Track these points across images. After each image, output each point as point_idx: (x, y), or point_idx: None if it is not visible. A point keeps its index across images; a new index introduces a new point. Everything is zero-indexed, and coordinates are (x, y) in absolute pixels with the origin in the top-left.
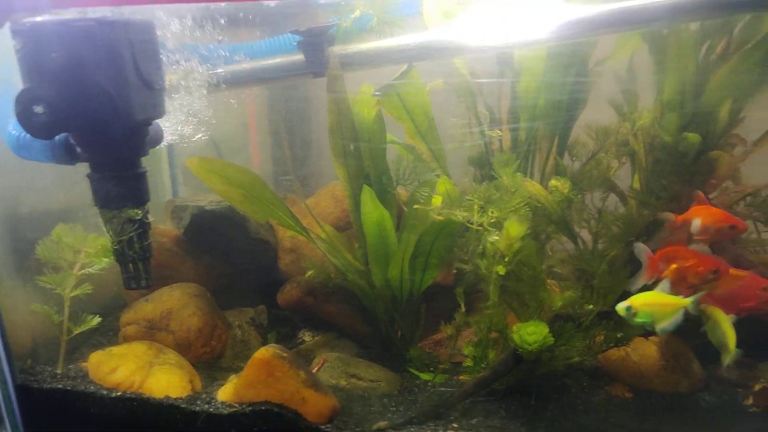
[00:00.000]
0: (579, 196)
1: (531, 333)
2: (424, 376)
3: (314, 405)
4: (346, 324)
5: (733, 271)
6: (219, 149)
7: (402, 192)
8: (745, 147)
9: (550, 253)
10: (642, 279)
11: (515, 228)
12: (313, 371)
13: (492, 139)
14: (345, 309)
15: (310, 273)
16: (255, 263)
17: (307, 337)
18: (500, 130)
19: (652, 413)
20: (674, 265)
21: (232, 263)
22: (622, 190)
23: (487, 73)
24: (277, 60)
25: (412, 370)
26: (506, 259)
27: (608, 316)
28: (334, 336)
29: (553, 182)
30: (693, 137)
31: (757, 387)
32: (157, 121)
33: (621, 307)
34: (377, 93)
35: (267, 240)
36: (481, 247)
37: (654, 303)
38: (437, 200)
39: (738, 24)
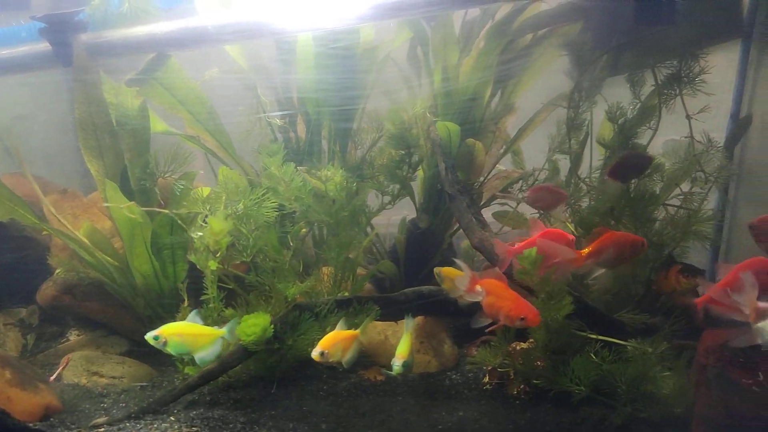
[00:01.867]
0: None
1: (251, 325)
2: (188, 370)
3: (21, 404)
4: (113, 321)
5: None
6: None
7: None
8: (502, 136)
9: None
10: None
11: (218, 224)
12: (59, 371)
13: (285, 128)
14: (109, 306)
15: (59, 271)
16: (22, 262)
17: (73, 336)
18: (281, 119)
19: (392, 394)
20: (489, 298)
21: None
22: (404, 176)
23: (274, 61)
24: (22, 49)
25: (179, 364)
26: (218, 255)
27: (346, 304)
28: (103, 334)
29: (323, 172)
30: (452, 127)
31: (490, 366)
32: None
33: (149, 336)
34: (131, 82)
35: (33, 238)
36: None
37: (187, 333)
38: (205, 191)
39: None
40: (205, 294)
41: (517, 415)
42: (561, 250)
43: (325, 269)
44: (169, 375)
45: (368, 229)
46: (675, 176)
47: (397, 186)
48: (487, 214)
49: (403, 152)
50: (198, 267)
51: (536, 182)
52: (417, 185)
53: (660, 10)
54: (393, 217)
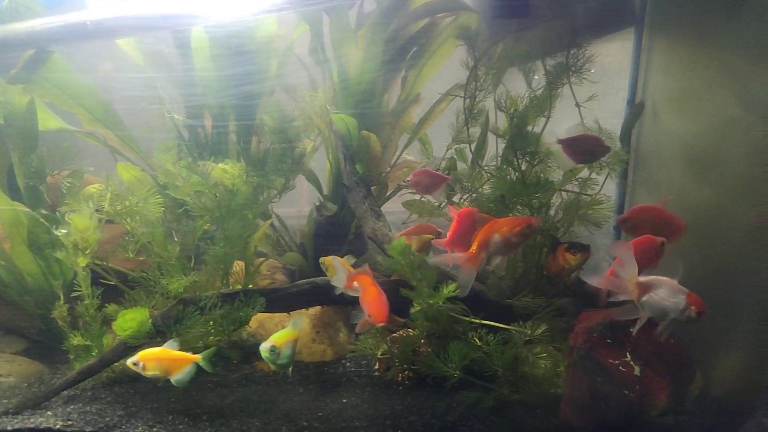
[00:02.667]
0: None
1: (128, 320)
2: (76, 366)
3: None
4: (7, 321)
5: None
6: None
7: None
8: (404, 126)
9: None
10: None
11: (82, 221)
12: None
13: (192, 123)
14: (1, 306)
15: None
16: None
17: None
18: (183, 115)
19: (283, 384)
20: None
21: None
22: (311, 169)
23: (174, 56)
24: None
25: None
26: (87, 252)
27: (232, 298)
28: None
29: (221, 167)
30: (348, 119)
31: (380, 355)
32: None
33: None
34: (12, 79)
35: None
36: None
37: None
38: (91, 189)
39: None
40: (77, 290)
41: (397, 401)
42: (451, 257)
43: (238, 263)
44: (63, 373)
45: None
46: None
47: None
48: (397, 203)
49: (284, 146)
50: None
51: (439, 170)
52: (325, 175)
53: (513, 3)
54: (305, 209)
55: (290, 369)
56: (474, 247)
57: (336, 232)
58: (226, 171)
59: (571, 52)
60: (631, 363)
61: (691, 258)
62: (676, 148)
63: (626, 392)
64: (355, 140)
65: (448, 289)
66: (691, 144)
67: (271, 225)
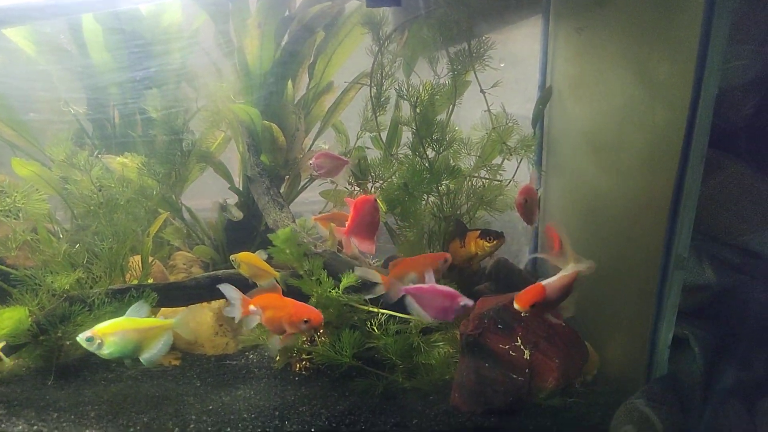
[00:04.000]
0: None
1: (6, 318)
2: None
3: None
4: None
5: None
6: None
7: None
8: (299, 115)
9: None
10: (235, 313)
11: None
12: None
13: (99, 116)
14: None
15: None
16: None
17: None
18: (83, 108)
19: (181, 378)
20: (269, 313)
21: None
22: (220, 161)
23: (71, 45)
24: None
25: None
26: None
27: (122, 293)
28: None
29: (120, 160)
30: (251, 110)
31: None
32: None
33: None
34: None
35: None
36: None
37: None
38: None
39: None
40: None
41: (291, 392)
42: (372, 275)
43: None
44: None
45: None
46: (485, 149)
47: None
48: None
49: (172, 137)
50: None
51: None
52: (237, 168)
53: None
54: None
55: (159, 361)
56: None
57: (248, 224)
58: (126, 164)
59: (472, 39)
60: (522, 347)
61: (586, 243)
62: (579, 132)
63: (514, 376)
64: (260, 130)
65: (348, 279)
66: (593, 128)
67: (182, 218)
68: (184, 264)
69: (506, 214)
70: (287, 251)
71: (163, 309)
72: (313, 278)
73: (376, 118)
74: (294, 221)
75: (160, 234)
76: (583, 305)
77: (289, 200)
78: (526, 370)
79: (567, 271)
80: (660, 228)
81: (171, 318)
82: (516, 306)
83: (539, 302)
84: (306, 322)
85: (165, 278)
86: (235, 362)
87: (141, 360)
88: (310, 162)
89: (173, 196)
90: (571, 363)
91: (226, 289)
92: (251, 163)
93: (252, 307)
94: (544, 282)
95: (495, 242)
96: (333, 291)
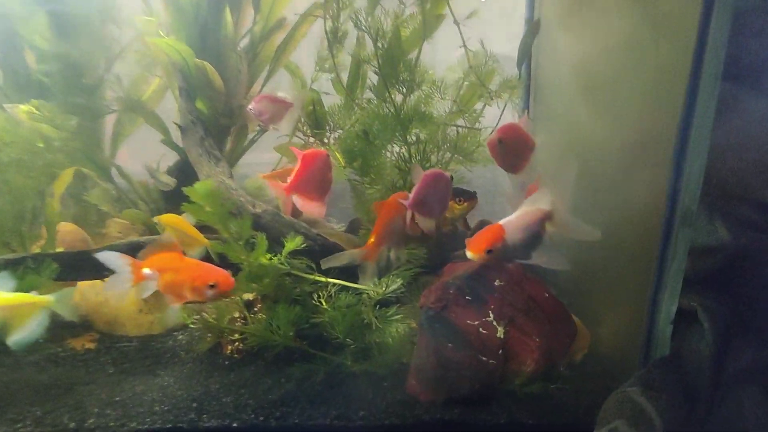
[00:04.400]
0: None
1: None
2: None
3: None
4: None
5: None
6: None
7: None
8: (240, 55)
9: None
10: (122, 285)
11: None
12: None
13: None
14: None
15: None
16: None
17: None
18: None
19: (94, 363)
20: (166, 276)
21: None
22: (154, 112)
23: None
24: None
25: None
26: None
27: (17, 263)
28: None
29: (24, 108)
30: (182, 48)
31: (191, 324)
32: None
33: None
34: None
35: None
36: None
37: None
38: None
39: None
40: None
41: (217, 378)
42: (349, 255)
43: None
44: None
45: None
46: (464, 95)
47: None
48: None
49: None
50: None
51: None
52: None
53: None
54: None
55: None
56: (372, 239)
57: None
58: (35, 112)
59: None
60: (494, 323)
61: (578, 200)
62: (571, 73)
63: (484, 358)
64: (192, 71)
65: (294, 243)
66: (586, 68)
67: (110, 179)
68: (120, 232)
69: (491, 171)
70: (207, 209)
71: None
72: (240, 242)
73: (333, 56)
74: (231, 177)
75: (84, 197)
76: (573, 272)
77: (235, 157)
78: (500, 351)
79: (531, 206)
80: (662, 178)
81: (52, 294)
82: (468, 254)
83: (497, 246)
84: (212, 287)
85: (87, 248)
86: (160, 345)
87: (8, 344)
88: (250, 107)
89: (99, 153)
90: (554, 341)
91: (106, 255)
92: (183, 109)
93: (146, 270)
94: (502, 221)
95: (465, 204)
96: (269, 257)
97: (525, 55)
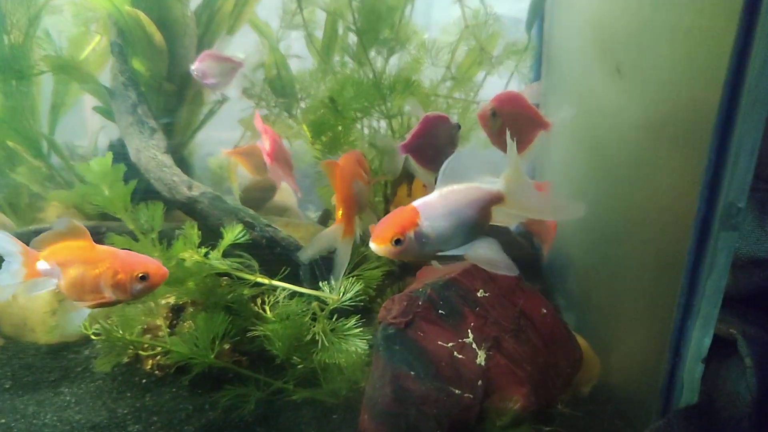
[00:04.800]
0: None
1: None
2: None
3: None
4: None
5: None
6: None
7: None
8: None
9: None
10: (8, 279)
11: None
12: None
13: None
14: None
15: None
16: None
17: None
18: None
19: None
20: (72, 271)
21: None
22: (89, 74)
23: None
24: None
25: None
26: None
27: None
28: None
29: None
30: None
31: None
32: None
33: None
34: None
35: None
36: None
37: None
38: None
39: None
40: None
41: (128, 400)
42: (325, 239)
43: None
44: None
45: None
46: (462, 62)
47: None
48: None
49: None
50: None
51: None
52: None
53: None
54: None
55: None
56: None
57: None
58: None
59: None
60: (473, 346)
61: (590, 193)
62: (590, 37)
63: (457, 392)
64: (127, 23)
65: (232, 234)
66: (608, 31)
67: (41, 155)
68: (59, 217)
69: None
70: (105, 192)
71: None
72: (150, 235)
73: (301, 9)
74: (167, 151)
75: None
76: (579, 283)
77: (191, 130)
78: (479, 382)
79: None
80: (698, 165)
81: None
82: (371, 245)
83: (409, 236)
84: (143, 278)
85: None
86: (74, 355)
87: None
88: (192, 68)
89: (29, 125)
90: (551, 372)
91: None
92: (116, 69)
93: (42, 265)
94: (418, 201)
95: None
96: (195, 253)
97: (536, 16)
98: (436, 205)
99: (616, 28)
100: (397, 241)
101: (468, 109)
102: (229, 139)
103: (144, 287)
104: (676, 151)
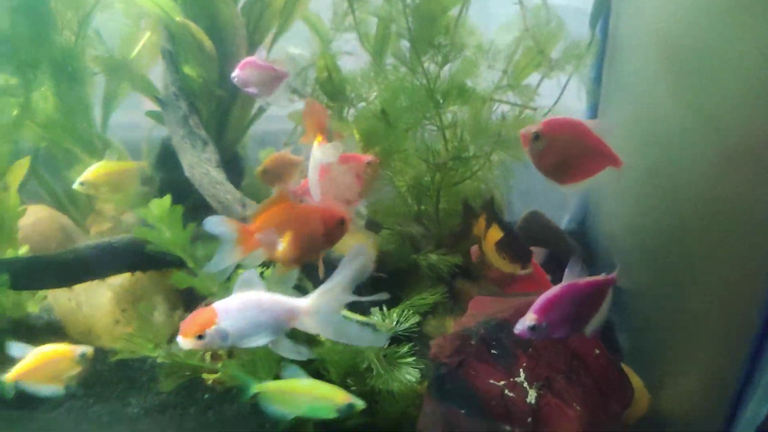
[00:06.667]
0: None
1: None
2: None
3: None
4: None
5: None
6: None
7: None
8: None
9: None
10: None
11: None
12: None
13: None
14: None
15: None
16: None
17: None
18: None
19: None
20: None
21: None
22: (142, 75)
23: None
24: None
25: None
26: None
27: None
28: None
29: None
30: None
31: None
32: None
33: None
34: None
35: None
36: None
37: None
38: None
39: None
40: None
41: (190, 417)
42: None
43: None
44: None
45: None
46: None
47: None
48: None
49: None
50: None
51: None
52: None
53: None
54: None
55: None
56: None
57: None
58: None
59: None
60: (524, 385)
61: (650, 207)
62: (658, 35)
63: (507, 428)
64: (178, 29)
65: None
66: (680, 29)
67: (97, 155)
68: (116, 210)
69: None
70: (166, 231)
71: None
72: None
73: (353, 10)
74: (219, 165)
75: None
76: (633, 314)
77: (244, 126)
78: (528, 420)
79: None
80: None
81: None
82: (178, 338)
83: (210, 333)
84: (342, 223)
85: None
86: (138, 363)
87: None
88: (233, 75)
89: (84, 124)
90: (601, 411)
91: (211, 222)
92: (166, 79)
93: (261, 234)
94: (220, 303)
95: (516, 265)
96: None
97: (601, 9)
98: (231, 307)
99: (689, 36)
100: (200, 337)
101: (520, 114)
102: (283, 130)
103: (343, 231)
104: (749, 176)
